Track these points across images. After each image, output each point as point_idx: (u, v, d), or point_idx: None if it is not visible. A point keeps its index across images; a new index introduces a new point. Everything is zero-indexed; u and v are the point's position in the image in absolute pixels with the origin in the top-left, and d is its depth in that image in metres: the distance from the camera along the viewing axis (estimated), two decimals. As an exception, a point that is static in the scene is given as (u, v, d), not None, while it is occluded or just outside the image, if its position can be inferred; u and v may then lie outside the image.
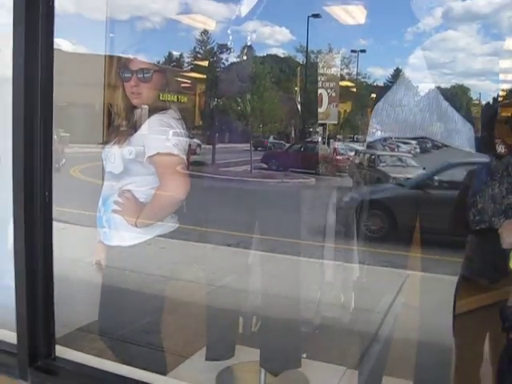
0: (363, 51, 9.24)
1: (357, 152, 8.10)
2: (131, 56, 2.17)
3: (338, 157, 8.59)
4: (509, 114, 2.87)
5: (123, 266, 2.34)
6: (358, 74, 9.26)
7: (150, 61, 2.23)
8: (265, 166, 8.50)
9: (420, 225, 2.93)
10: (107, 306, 2.32)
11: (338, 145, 8.51)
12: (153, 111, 2.11)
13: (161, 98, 2.22)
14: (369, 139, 2.80)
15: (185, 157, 2.07)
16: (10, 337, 2.05)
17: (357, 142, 8.52)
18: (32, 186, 1.85)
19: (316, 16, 7.24)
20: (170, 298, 2.40)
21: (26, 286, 1.88)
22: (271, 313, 2.71)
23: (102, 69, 2.77)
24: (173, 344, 2.42)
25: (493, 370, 2.22)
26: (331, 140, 3.14)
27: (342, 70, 9.38)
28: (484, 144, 2.54)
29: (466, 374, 2.25)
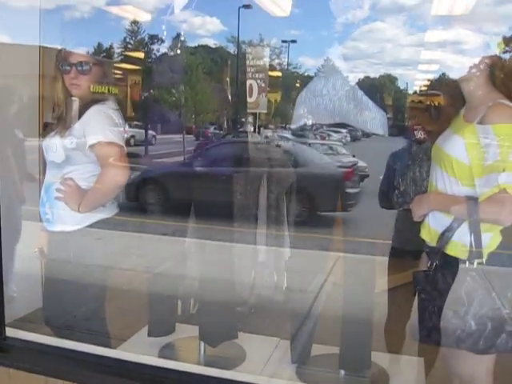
0: (294, 41, 9.52)
1: (287, 139, 8.39)
2: (70, 49, 2.31)
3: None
4: (428, 103, 3.18)
5: (62, 255, 2.49)
6: (288, 64, 9.55)
7: (85, 52, 2.38)
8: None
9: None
10: (50, 295, 2.46)
11: (269, 134, 8.79)
12: (92, 102, 2.25)
13: (91, 89, 2.36)
14: (293, 126, 3.04)
15: (124, 145, 2.24)
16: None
17: (288, 130, 8.84)
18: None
19: (247, 7, 7.43)
20: (109, 286, 2.54)
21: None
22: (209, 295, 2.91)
23: (35, 60, 2.86)
24: (115, 328, 2.55)
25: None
26: (261, 129, 3.34)
27: (272, 60, 9.64)
28: (406, 130, 2.84)
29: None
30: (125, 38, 9.50)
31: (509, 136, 1.83)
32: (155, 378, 1.94)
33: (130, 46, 9.59)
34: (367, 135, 9.78)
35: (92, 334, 2.29)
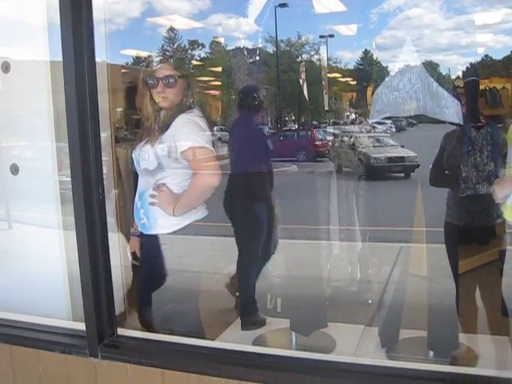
0: (332, 36, 9.64)
1: (335, 136, 8.50)
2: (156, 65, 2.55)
3: (317, 142, 8.99)
4: (483, 88, 3.29)
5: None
6: (328, 59, 9.68)
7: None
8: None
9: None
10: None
11: (315, 130, 8.92)
12: (179, 112, 2.48)
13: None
14: (370, 121, 3.21)
15: (213, 149, 2.46)
16: (75, 325, 2.44)
17: (333, 126, 8.91)
18: (89, 186, 2.21)
19: (283, 5, 7.60)
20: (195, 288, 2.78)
21: (91, 280, 2.25)
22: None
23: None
24: (208, 325, 2.77)
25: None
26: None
27: (312, 56, 9.79)
28: (465, 116, 2.97)
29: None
30: (162, 46, 9.80)
31: None
32: (258, 363, 2.10)
33: (168, 53, 9.88)
34: (412, 124, 9.80)
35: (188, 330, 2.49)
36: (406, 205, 3.57)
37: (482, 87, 3.37)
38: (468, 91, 2.85)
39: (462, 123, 2.70)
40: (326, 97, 3.51)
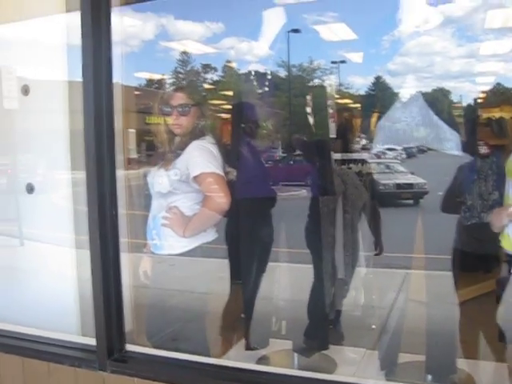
0: (343, 62, 9.82)
1: (354, 161, 8.46)
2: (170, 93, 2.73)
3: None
4: (489, 117, 3.43)
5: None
6: (340, 84, 9.85)
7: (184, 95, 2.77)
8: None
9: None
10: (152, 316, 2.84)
11: (337, 156, 9.02)
12: (192, 138, 2.65)
13: (148, 120, 2.76)
14: (373, 151, 3.36)
15: (224, 174, 2.62)
16: (85, 340, 2.59)
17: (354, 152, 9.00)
18: (103, 206, 2.38)
19: (296, 31, 7.81)
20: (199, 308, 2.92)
21: (102, 297, 2.41)
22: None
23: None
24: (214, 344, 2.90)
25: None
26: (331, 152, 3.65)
27: (324, 81, 9.96)
28: (468, 146, 3.10)
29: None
30: (175, 68, 10.03)
31: None
32: (261, 380, 2.26)
33: (181, 75, 10.13)
34: (422, 151, 9.92)
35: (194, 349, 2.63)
36: (412, 231, 3.69)
37: (489, 116, 3.48)
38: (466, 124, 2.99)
39: (460, 155, 2.85)
40: (333, 125, 3.68)
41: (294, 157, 9.49)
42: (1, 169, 3.92)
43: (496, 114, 3.53)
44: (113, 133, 2.40)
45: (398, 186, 8.31)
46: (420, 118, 2.70)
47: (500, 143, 3.39)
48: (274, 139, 9.84)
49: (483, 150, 3.16)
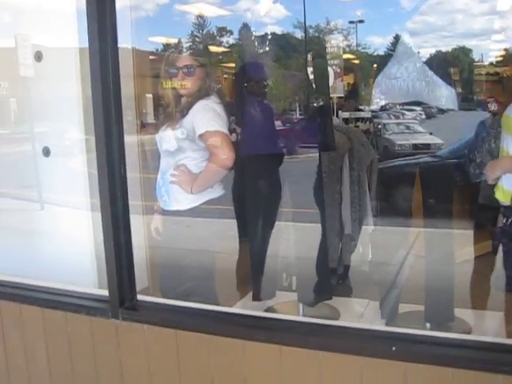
0: (361, 21, 9.73)
1: (362, 120, 8.55)
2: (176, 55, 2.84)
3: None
4: (502, 74, 3.46)
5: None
6: (357, 45, 9.78)
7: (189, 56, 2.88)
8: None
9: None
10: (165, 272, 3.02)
11: (345, 115, 9.07)
12: (198, 98, 2.77)
13: (164, 85, 2.86)
14: (372, 107, 3.44)
15: (228, 133, 2.75)
16: (99, 292, 2.78)
17: (362, 111, 9.04)
18: (113, 165, 2.52)
19: (312, -9, 7.78)
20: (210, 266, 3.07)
21: (113, 251, 2.56)
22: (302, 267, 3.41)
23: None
24: (223, 298, 3.06)
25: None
26: (339, 111, 3.72)
27: (341, 42, 9.90)
28: (481, 103, 3.15)
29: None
30: (192, 32, 10.05)
31: None
32: (266, 325, 2.36)
33: (197, 39, 10.15)
34: (442, 111, 9.85)
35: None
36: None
37: (501, 74, 3.51)
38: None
39: (456, 109, 2.93)
40: (341, 84, 3.77)
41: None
42: (19, 136, 4.10)
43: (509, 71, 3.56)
44: (119, 97, 2.50)
45: (415, 146, 8.28)
46: (415, 73, 2.78)
47: (509, 100, 3.44)
48: (292, 101, 9.93)
49: (493, 107, 3.21)
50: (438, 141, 8.20)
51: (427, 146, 8.27)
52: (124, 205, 2.58)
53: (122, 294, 2.61)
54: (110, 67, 2.46)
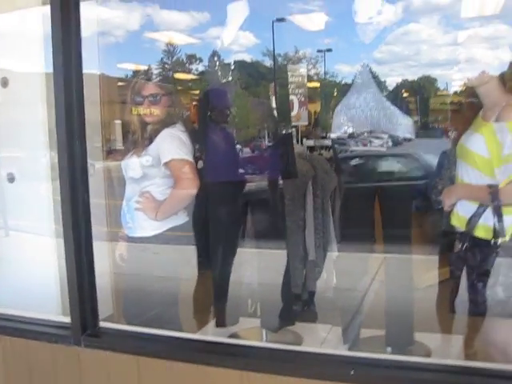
0: (329, 50, 9.91)
1: (326, 148, 8.60)
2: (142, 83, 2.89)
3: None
4: (461, 103, 3.58)
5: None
6: (325, 73, 9.95)
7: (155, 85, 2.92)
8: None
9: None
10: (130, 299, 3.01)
11: (310, 143, 9.17)
12: (163, 126, 2.82)
13: (134, 106, 2.90)
14: (332, 135, 3.53)
15: (193, 161, 2.80)
16: (62, 318, 2.78)
17: (328, 139, 9.15)
18: (76, 191, 2.54)
19: (281, 20, 7.92)
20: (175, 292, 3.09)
21: (76, 277, 2.57)
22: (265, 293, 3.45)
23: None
24: (187, 324, 3.07)
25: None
26: (304, 139, 3.80)
27: (309, 70, 10.05)
28: (443, 131, 3.26)
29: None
30: (161, 59, 10.11)
31: None
32: (228, 351, 2.40)
33: (167, 66, 10.22)
34: (409, 139, 10.04)
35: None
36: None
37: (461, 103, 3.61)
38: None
39: (413, 137, 3.03)
40: (305, 113, 3.86)
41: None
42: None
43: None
44: (83, 123, 2.54)
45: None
46: (373, 103, 2.89)
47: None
48: (261, 128, 10.03)
49: (454, 135, 3.30)
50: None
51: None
52: (87, 231, 2.60)
53: (84, 321, 2.62)
54: (74, 93, 2.50)
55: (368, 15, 2.77)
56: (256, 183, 4.17)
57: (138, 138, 2.87)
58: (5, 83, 3.27)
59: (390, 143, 10.79)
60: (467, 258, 2.52)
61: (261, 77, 10.09)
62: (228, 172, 3.24)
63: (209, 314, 3.43)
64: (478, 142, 2.46)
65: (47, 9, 2.58)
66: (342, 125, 2.97)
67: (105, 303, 2.85)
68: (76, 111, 2.50)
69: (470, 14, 4.52)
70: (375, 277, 3.75)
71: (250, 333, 3.33)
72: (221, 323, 3.29)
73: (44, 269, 3.20)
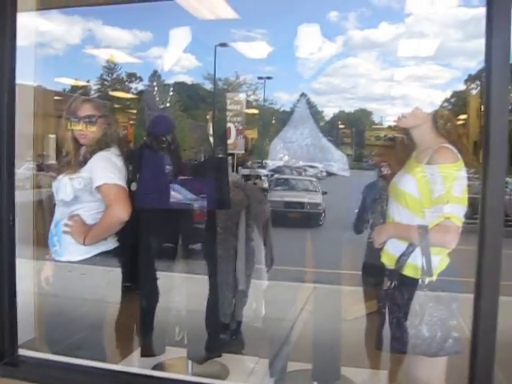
0: (269, 78, 10.07)
1: (260, 177, 8.71)
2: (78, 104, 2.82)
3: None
4: (394, 138, 3.66)
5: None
6: (264, 100, 10.11)
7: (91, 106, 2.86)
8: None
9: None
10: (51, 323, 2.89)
11: (245, 172, 9.26)
12: (97, 149, 2.75)
13: (68, 127, 2.84)
14: (268, 169, 3.56)
15: (125, 186, 2.74)
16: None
17: (264, 167, 9.30)
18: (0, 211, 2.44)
19: (223, 45, 7.98)
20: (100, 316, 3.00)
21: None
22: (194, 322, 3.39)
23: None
24: (111, 351, 2.98)
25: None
26: (239, 167, 3.80)
27: (249, 96, 10.17)
28: (375, 166, 3.32)
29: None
30: (101, 75, 10.00)
31: (450, 174, 2.39)
32: None
33: (106, 82, 10.11)
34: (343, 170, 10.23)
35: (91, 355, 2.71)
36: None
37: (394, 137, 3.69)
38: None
39: (347, 175, 3.09)
40: (242, 141, 3.88)
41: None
42: None
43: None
44: (13, 141, 2.46)
45: (286, 203, 8.52)
46: (309, 139, 2.94)
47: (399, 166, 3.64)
48: (198, 152, 10.00)
49: (386, 170, 3.37)
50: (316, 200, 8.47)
51: (300, 205, 8.53)
52: (10, 255, 2.51)
53: (1, 348, 2.50)
54: (5, 107, 2.42)
55: (309, 51, 2.80)
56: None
57: (71, 160, 2.78)
58: None
59: (325, 173, 11.03)
60: (395, 295, 2.57)
61: (200, 100, 10.13)
62: (160, 199, 3.19)
63: (133, 342, 3.33)
64: (409, 183, 2.52)
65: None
66: (277, 157, 2.99)
67: (26, 326, 2.75)
68: (6, 126, 2.42)
69: (406, 53, 4.71)
70: (304, 306, 3.76)
71: (176, 363, 3.27)
72: (146, 352, 3.21)
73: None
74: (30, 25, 2.75)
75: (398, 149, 3.17)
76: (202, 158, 3.42)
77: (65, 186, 2.74)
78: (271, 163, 3.15)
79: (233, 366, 3.21)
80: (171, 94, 3.40)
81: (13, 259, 2.52)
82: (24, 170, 3.12)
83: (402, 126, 2.64)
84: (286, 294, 4.60)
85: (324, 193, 9.09)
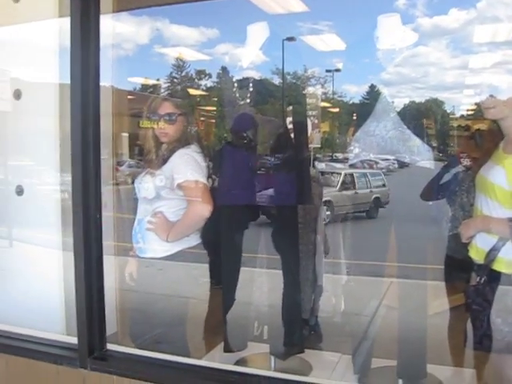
0: (338, 70, 9.92)
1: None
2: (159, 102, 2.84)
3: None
4: (473, 130, 3.54)
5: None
6: (333, 92, 9.96)
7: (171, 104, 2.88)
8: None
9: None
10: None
11: (321, 166, 9.24)
12: (178, 146, 2.77)
13: (141, 125, 2.87)
14: (350, 163, 3.48)
15: (207, 182, 2.74)
16: (68, 339, 2.71)
17: (336, 161, 9.17)
18: (88, 209, 2.49)
19: (291, 39, 7.92)
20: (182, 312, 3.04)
21: (85, 298, 2.53)
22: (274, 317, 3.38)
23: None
24: (194, 347, 3.01)
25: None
26: (315, 162, 3.74)
27: (318, 89, 10.06)
28: (455, 158, 3.21)
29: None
30: (171, 73, 10.11)
31: None
32: (236, 380, 2.39)
33: (176, 80, 10.23)
34: (415, 161, 10.02)
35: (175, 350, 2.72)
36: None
37: (472, 129, 3.57)
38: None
39: (432, 168, 2.98)
40: (317, 135, 3.83)
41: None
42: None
43: (482, 126, 3.63)
44: (99, 138, 2.51)
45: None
46: (393, 131, 2.85)
47: (481, 156, 3.51)
48: (267, 147, 9.98)
49: (466, 162, 3.26)
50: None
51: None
52: (98, 251, 2.56)
53: (91, 343, 2.57)
54: (91, 105, 2.47)
55: (390, 42, 2.71)
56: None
57: (152, 158, 2.81)
58: (18, 95, 3.24)
59: (397, 165, 10.82)
60: (485, 291, 2.47)
61: (269, 94, 10.10)
62: (242, 196, 3.17)
63: (217, 337, 3.34)
64: (499, 175, 2.42)
65: (63, 21, 2.56)
66: (360, 152, 2.93)
67: (109, 321, 2.78)
68: (92, 124, 2.46)
69: (480, 39, 4.55)
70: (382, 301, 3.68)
71: (258, 359, 3.25)
72: (229, 348, 3.21)
73: (48, 283, 3.15)
74: (107, 27, 2.77)
75: (484, 139, 3.06)
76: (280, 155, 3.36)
77: (147, 184, 2.77)
78: (351, 157, 3.07)
79: (315, 362, 3.16)
80: (251, 89, 3.36)
81: (100, 256, 2.57)
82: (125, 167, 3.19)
83: (490, 117, 2.51)
84: (361, 289, 4.53)
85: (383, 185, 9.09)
